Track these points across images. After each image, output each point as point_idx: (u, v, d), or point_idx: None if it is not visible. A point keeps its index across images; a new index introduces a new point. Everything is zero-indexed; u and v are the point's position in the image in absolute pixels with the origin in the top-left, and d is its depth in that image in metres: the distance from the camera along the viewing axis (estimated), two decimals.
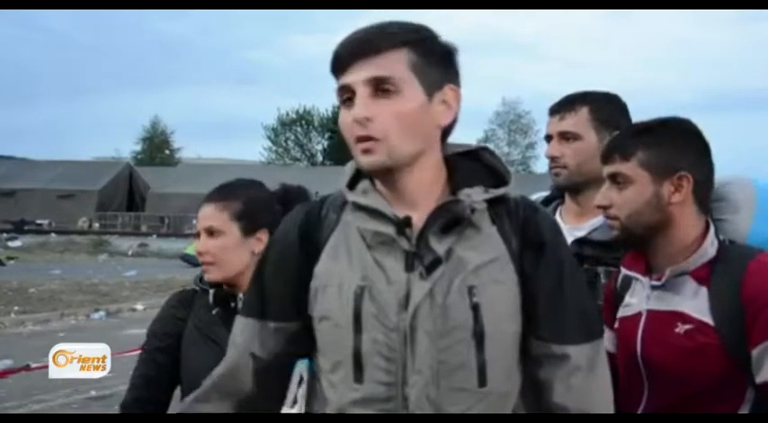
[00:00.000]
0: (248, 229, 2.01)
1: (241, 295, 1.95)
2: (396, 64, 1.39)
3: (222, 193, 2.05)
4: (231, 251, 2.00)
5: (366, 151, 1.38)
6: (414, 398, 1.36)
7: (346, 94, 1.41)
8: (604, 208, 1.78)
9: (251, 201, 2.03)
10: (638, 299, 1.78)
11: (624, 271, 1.85)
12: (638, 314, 1.76)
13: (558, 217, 2.19)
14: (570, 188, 2.16)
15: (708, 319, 1.65)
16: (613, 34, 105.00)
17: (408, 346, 1.36)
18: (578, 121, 2.10)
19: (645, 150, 1.73)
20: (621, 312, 1.82)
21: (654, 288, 1.75)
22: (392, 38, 1.39)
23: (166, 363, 2.05)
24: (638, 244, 1.78)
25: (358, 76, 1.38)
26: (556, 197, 2.28)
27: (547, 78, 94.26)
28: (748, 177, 1.90)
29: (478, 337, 1.37)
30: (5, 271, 17.38)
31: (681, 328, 1.67)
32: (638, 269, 1.81)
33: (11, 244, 24.85)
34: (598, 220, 2.07)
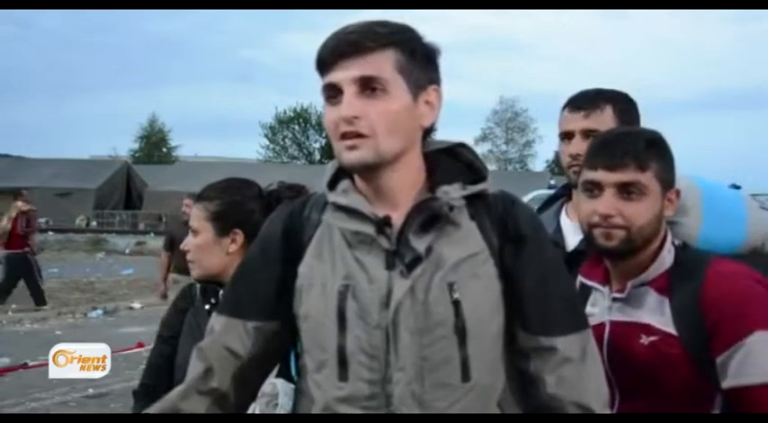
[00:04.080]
0: (222, 230, 2.08)
1: (222, 291, 2.01)
2: (383, 64, 1.40)
3: (203, 194, 2.15)
4: (206, 250, 2.09)
5: (351, 147, 1.39)
6: (398, 395, 1.37)
7: (331, 92, 1.42)
8: (607, 217, 1.68)
9: (227, 202, 2.10)
10: (600, 309, 1.77)
11: (582, 280, 1.82)
12: (602, 325, 1.73)
13: (563, 215, 2.18)
14: None
15: (672, 330, 1.66)
16: (610, 34, 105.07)
17: (391, 343, 1.38)
18: (604, 119, 2.06)
19: (657, 162, 1.69)
20: None
21: (615, 300, 1.74)
22: (379, 38, 1.40)
23: (168, 352, 2.13)
24: (629, 256, 1.72)
25: (346, 74, 1.39)
26: (561, 195, 2.26)
27: (544, 77, 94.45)
28: (691, 176, 1.89)
29: (460, 332, 1.38)
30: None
31: (645, 340, 1.67)
32: (597, 278, 1.80)
33: None
34: None
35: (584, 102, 2.09)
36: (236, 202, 2.10)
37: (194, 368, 1.53)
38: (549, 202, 2.28)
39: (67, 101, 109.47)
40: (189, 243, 2.12)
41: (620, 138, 1.74)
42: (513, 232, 1.45)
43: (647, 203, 1.68)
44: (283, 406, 1.75)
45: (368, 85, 1.39)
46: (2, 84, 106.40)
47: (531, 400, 1.46)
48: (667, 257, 1.71)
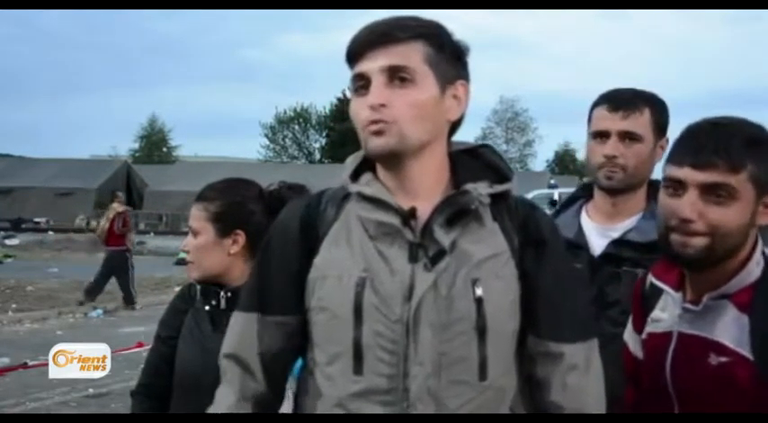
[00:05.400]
0: (223, 231, 2.06)
1: (223, 293, 2.03)
2: (412, 54, 1.40)
3: (204, 194, 2.12)
4: (207, 251, 2.07)
5: (377, 133, 1.39)
6: (414, 390, 1.36)
7: (360, 82, 1.42)
8: (686, 221, 1.49)
9: (228, 202, 2.08)
10: (669, 316, 1.62)
11: (653, 280, 1.68)
12: (669, 334, 1.60)
13: (584, 216, 2.14)
14: (617, 190, 2.06)
15: (746, 352, 1.48)
16: (610, 34, 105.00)
17: (411, 337, 1.37)
18: (643, 122, 2.01)
19: (755, 163, 1.47)
20: (651, 327, 1.67)
21: (687, 310, 1.58)
22: (409, 29, 1.42)
23: (167, 352, 2.11)
24: (710, 266, 1.53)
25: (375, 63, 1.40)
26: (580, 197, 2.21)
27: (544, 77, 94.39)
28: None
29: (480, 330, 1.38)
30: (3, 269, 17.32)
31: (715, 360, 1.51)
32: (670, 281, 1.63)
33: (8, 242, 24.75)
34: (631, 221, 2.04)
35: (623, 102, 2.03)
36: (237, 202, 2.08)
37: (233, 374, 1.51)
38: (568, 203, 2.23)
39: (67, 101, 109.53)
40: (188, 244, 2.10)
41: (713, 131, 1.52)
42: (534, 236, 1.45)
43: (736, 209, 1.48)
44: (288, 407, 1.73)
45: (396, 75, 1.39)
46: (2, 84, 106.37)
47: (535, 406, 1.47)
48: (755, 270, 1.53)
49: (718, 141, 1.48)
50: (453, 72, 1.45)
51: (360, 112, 1.41)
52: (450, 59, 1.45)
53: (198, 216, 2.09)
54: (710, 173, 1.47)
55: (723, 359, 1.50)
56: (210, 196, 2.10)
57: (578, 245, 2.03)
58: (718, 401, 1.52)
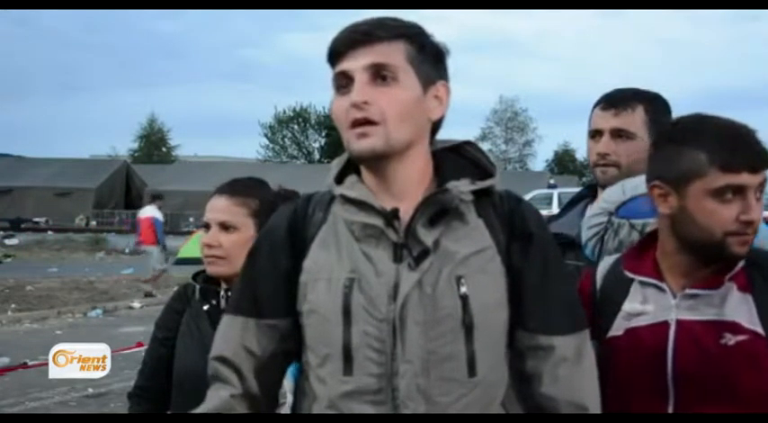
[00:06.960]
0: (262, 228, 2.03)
1: (223, 292, 2.01)
2: (395, 53, 1.42)
3: (239, 189, 2.08)
4: (245, 248, 2.02)
5: (362, 135, 1.40)
6: (403, 388, 1.37)
7: (342, 81, 1.43)
8: (752, 223, 1.55)
9: (266, 199, 2.06)
10: (657, 307, 1.61)
11: (628, 274, 1.67)
12: (663, 324, 1.59)
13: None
14: None
15: (759, 329, 1.55)
16: (609, 34, 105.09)
17: (398, 336, 1.37)
18: (635, 119, 2.03)
19: None
20: (632, 322, 1.64)
21: (690, 296, 1.60)
22: (390, 29, 1.43)
23: (164, 353, 2.11)
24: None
25: (357, 62, 1.41)
26: (585, 196, 2.22)
27: (544, 77, 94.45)
28: None
29: (467, 326, 1.38)
30: (2, 269, 17.33)
31: (731, 340, 1.54)
32: (647, 272, 1.65)
33: (8, 242, 24.77)
34: None
35: (615, 101, 2.06)
36: (272, 200, 2.07)
37: (225, 375, 1.50)
38: (572, 203, 2.24)
39: (67, 101, 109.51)
40: (223, 239, 2.03)
41: (746, 134, 1.57)
42: (520, 230, 1.45)
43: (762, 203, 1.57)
44: (290, 405, 1.74)
45: (379, 73, 1.41)
46: (2, 84, 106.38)
47: (527, 401, 1.47)
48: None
49: (756, 143, 1.56)
50: (434, 73, 1.46)
51: (342, 110, 1.42)
52: (431, 60, 1.46)
53: (236, 211, 2.04)
54: (762, 174, 1.55)
55: (741, 338, 1.54)
56: (248, 192, 2.07)
57: (580, 244, 2.04)
58: (731, 383, 1.54)
